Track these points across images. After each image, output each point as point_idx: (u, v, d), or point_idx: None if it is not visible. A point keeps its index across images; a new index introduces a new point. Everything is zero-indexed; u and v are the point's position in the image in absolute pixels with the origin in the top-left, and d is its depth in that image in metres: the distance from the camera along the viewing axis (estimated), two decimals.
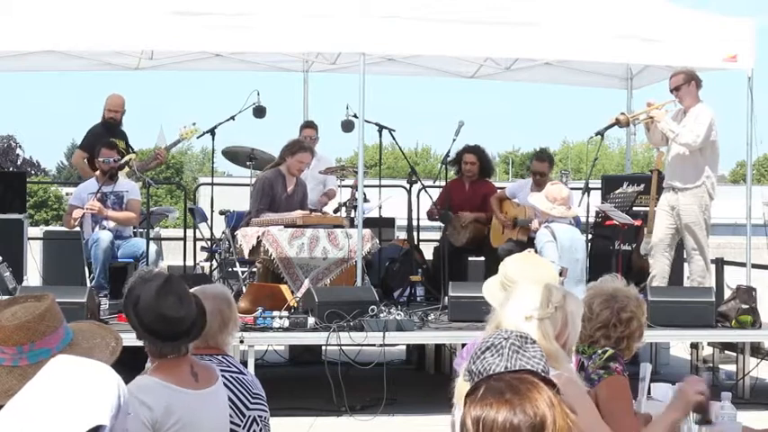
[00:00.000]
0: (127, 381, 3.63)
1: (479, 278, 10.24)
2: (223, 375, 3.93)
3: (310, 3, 8.79)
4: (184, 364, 3.65)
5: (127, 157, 9.54)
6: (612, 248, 9.63)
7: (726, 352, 9.91)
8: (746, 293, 8.98)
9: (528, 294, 3.60)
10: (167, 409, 3.55)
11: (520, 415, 2.05)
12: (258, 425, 4.00)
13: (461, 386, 2.84)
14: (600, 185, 11.00)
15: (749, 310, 8.88)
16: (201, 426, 3.64)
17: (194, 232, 11.17)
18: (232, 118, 10.73)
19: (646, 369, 4.19)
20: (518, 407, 2.06)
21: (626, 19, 9.15)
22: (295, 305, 8.54)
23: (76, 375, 2.34)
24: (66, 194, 10.43)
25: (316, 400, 8.30)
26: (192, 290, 3.95)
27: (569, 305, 3.59)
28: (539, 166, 10.24)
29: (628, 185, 10.36)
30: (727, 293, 9.50)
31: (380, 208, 10.51)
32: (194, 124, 10.37)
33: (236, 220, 9.87)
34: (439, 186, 11.20)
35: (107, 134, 10.15)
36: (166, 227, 14.23)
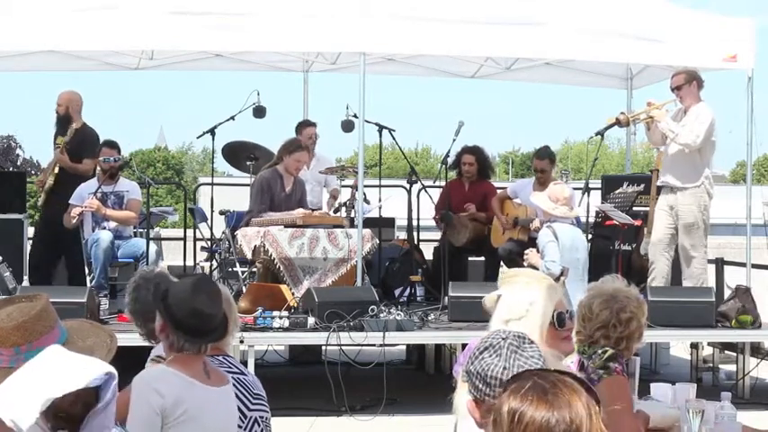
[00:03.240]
0: (126, 381, 3.65)
1: (479, 278, 10.28)
2: None
3: (310, 3, 8.78)
4: (199, 360, 3.73)
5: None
6: (612, 248, 9.63)
7: (726, 352, 9.90)
8: (746, 294, 8.98)
9: (509, 299, 3.68)
10: (177, 399, 3.61)
11: (558, 417, 2.05)
12: (260, 425, 4.00)
13: (461, 392, 2.83)
14: (600, 185, 11.00)
15: (749, 310, 8.88)
16: (207, 422, 3.67)
17: (194, 232, 11.17)
18: (232, 118, 10.72)
19: (635, 364, 4.20)
20: (557, 409, 2.05)
21: (626, 19, 9.14)
22: (295, 305, 8.54)
23: (72, 356, 2.40)
24: None
25: (316, 400, 8.30)
26: None
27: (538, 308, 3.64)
28: (538, 164, 10.26)
29: (628, 185, 10.36)
30: (728, 293, 9.50)
31: (380, 208, 10.51)
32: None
33: (236, 220, 9.87)
34: (439, 186, 11.20)
35: (62, 130, 10.12)
36: (166, 227, 14.23)
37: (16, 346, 2.70)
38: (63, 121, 10.14)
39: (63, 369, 2.38)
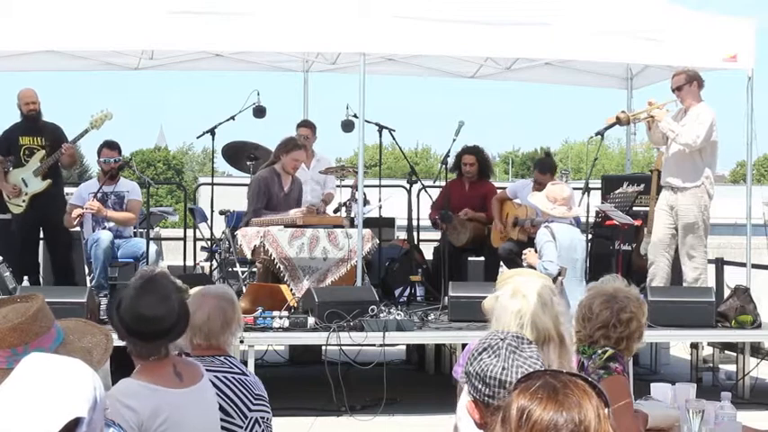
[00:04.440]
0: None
1: (479, 278, 10.28)
2: (225, 377, 3.94)
3: (310, 3, 8.78)
4: (167, 364, 3.62)
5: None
6: (612, 248, 9.63)
7: (726, 352, 9.90)
8: (745, 294, 8.98)
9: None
10: (154, 411, 3.53)
11: (566, 417, 2.04)
12: (260, 426, 4.00)
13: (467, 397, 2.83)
14: (600, 185, 11.00)
15: (748, 311, 8.88)
16: (189, 424, 3.62)
17: (194, 232, 11.18)
18: (232, 118, 10.73)
19: None
20: (566, 410, 2.05)
21: (626, 19, 9.14)
22: (295, 305, 8.54)
23: (50, 371, 2.30)
24: (67, 195, 10.36)
25: (316, 400, 8.30)
26: (194, 290, 3.95)
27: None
28: (540, 177, 10.04)
29: (628, 185, 10.35)
30: (727, 294, 9.50)
31: (380, 208, 10.51)
32: (103, 110, 9.61)
33: (236, 220, 9.87)
34: (439, 186, 11.20)
35: (30, 129, 9.63)
36: (166, 227, 14.25)
37: (13, 347, 2.69)
38: (36, 120, 9.68)
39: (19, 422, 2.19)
